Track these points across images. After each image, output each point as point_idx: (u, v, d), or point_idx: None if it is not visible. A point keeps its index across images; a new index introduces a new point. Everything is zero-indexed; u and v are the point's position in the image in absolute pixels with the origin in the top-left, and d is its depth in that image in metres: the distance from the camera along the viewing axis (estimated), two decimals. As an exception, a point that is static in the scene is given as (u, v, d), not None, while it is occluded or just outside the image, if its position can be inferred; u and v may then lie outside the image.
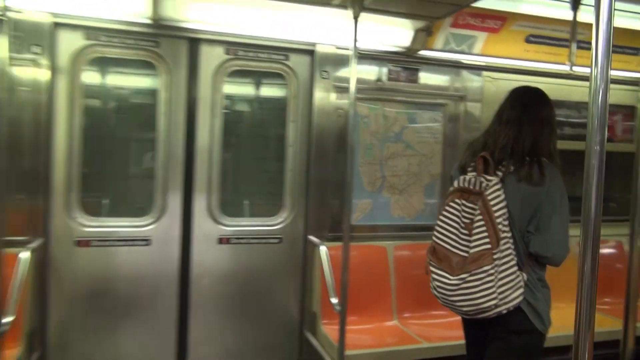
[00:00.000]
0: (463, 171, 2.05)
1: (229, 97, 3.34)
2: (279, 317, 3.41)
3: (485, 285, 1.79)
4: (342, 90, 3.38)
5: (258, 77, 3.42)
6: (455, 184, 1.99)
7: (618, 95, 4.20)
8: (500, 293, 1.79)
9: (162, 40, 3.09)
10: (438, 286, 1.92)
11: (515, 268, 1.83)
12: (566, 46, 3.61)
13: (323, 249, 3.14)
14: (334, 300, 2.84)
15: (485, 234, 1.81)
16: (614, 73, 4.10)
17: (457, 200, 1.94)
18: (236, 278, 3.29)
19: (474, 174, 1.95)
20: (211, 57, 3.20)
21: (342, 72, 3.39)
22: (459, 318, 3.52)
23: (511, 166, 1.91)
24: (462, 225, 1.90)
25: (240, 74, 3.34)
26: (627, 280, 1.79)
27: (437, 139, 3.69)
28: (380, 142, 3.54)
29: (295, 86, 3.39)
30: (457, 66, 3.64)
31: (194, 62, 3.17)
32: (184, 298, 3.21)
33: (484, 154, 1.94)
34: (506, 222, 1.84)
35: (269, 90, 3.50)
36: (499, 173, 1.91)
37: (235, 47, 3.23)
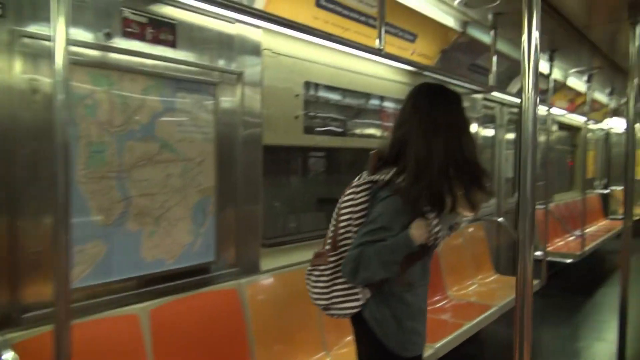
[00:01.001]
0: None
1: None
2: None
3: (318, 284, 1.80)
4: (38, 46, 1.83)
5: None
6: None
7: (391, 88, 3.80)
8: (331, 297, 1.77)
9: None
10: None
11: None
12: (362, 22, 2.94)
13: (9, 356, 1.55)
14: None
15: (332, 234, 1.79)
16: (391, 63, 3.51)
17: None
18: None
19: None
20: None
21: (37, 13, 1.84)
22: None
23: (388, 174, 1.71)
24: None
25: None
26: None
27: (207, 136, 2.46)
28: (119, 141, 2.11)
29: None
30: (236, 8, 2.39)
31: None
32: None
33: (372, 153, 1.81)
34: (355, 229, 1.73)
35: None
36: (375, 178, 1.74)
37: None
